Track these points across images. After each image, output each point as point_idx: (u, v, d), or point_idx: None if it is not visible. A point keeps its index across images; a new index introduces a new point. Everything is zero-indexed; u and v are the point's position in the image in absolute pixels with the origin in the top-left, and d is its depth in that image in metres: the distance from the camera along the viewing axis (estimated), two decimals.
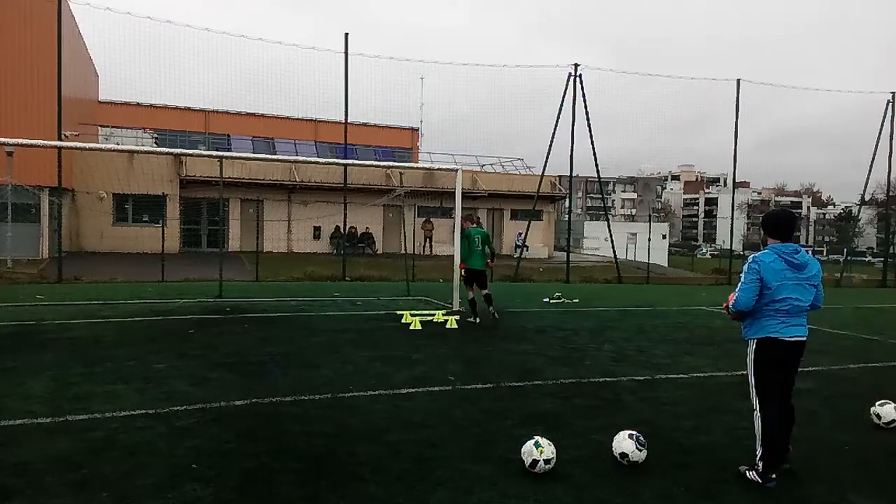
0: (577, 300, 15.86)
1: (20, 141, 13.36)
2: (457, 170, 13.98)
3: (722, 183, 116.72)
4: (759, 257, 4.49)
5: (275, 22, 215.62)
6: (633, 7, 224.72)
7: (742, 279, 4.53)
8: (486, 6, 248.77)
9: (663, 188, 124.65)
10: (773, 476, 4.39)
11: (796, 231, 4.89)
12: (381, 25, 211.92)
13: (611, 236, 24.50)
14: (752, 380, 4.57)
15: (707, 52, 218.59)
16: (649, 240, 25.53)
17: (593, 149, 23.50)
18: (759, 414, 4.51)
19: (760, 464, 4.44)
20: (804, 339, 4.55)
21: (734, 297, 4.57)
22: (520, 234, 31.22)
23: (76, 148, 18.49)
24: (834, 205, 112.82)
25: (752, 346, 4.55)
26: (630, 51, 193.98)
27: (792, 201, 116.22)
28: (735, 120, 24.75)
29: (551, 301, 15.48)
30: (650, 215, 41.32)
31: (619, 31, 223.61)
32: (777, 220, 4.60)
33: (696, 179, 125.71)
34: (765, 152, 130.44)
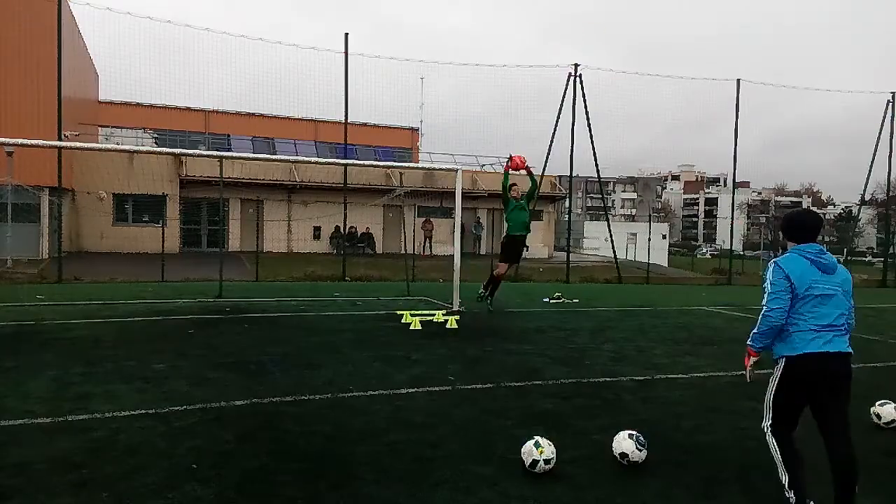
0: (577, 300, 15.85)
1: (20, 141, 13.35)
2: (457, 170, 13.98)
3: (722, 183, 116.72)
4: (781, 260, 3.97)
5: (277, 22, 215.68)
6: (639, 8, 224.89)
7: (768, 288, 3.92)
8: (492, 8, 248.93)
9: (663, 188, 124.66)
10: (811, 502, 3.89)
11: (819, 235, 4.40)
12: (384, 26, 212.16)
13: (611, 236, 24.50)
14: (770, 397, 4.01)
15: (709, 53, 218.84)
16: (649, 240, 25.54)
17: (593, 149, 23.52)
18: (771, 436, 3.98)
19: (791, 493, 3.87)
20: (846, 352, 3.88)
21: (761, 317, 3.94)
22: None
23: (76, 148, 18.48)
24: (834, 205, 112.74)
25: (781, 363, 3.95)
26: (635, 52, 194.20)
27: (792, 201, 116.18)
28: (735, 120, 24.76)
29: (551, 301, 15.48)
30: (650, 215, 41.28)
31: (625, 31, 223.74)
32: (799, 222, 4.08)
33: (696, 179, 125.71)
34: (765, 152, 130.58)
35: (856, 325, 4.01)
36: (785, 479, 3.89)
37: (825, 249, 3.98)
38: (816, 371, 3.81)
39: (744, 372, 4.20)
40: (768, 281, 3.95)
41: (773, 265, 3.97)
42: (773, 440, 3.95)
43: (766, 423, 4.00)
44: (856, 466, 3.86)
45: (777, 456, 3.92)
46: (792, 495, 3.85)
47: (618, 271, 24.21)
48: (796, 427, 3.96)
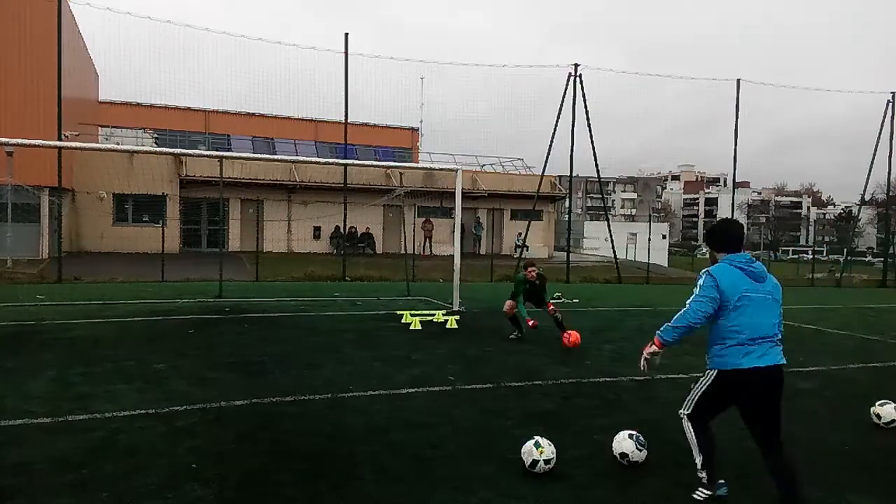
0: (577, 300, 15.86)
1: (20, 141, 13.35)
2: (457, 170, 13.99)
3: (722, 183, 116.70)
4: (714, 269, 4.00)
5: (277, 23, 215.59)
6: (639, 8, 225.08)
7: (696, 291, 3.97)
8: (493, 9, 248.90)
9: (663, 188, 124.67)
10: (722, 481, 4.12)
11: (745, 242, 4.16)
12: (384, 26, 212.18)
13: (611, 236, 24.51)
14: (697, 394, 4.09)
15: (709, 53, 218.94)
16: (649, 240, 25.55)
17: (593, 149, 23.55)
18: (688, 421, 4.12)
19: (704, 473, 4.11)
20: (780, 364, 3.92)
21: (680, 313, 3.97)
22: (520, 234, 31.22)
23: (76, 148, 18.48)
24: (834, 205, 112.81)
25: (713, 375, 4.01)
26: (635, 53, 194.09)
27: (792, 201, 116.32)
28: (735, 120, 24.79)
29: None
30: (650, 215, 41.35)
31: (625, 32, 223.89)
32: (724, 234, 4.11)
33: (696, 179, 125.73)
34: (765, 152, 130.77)
35: (784, 332, 4.08)
36: (699, 460, 4.08)
37: (753, 259, 4.05)
38: (748, 384, 3.85)
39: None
40: (698, 286, 3.97)
41: (705, 274, 4.00)
42: (690, 425, 4.09)
43: (684, 412, 4.12)
44: (795, 466, 3.89)
45: (692, 439, 4.08)
46: (704, 474, 4.09)
47: (618, 271, 24.22)
48: (713, 418, 4.13)
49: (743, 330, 3.85)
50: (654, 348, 4.08)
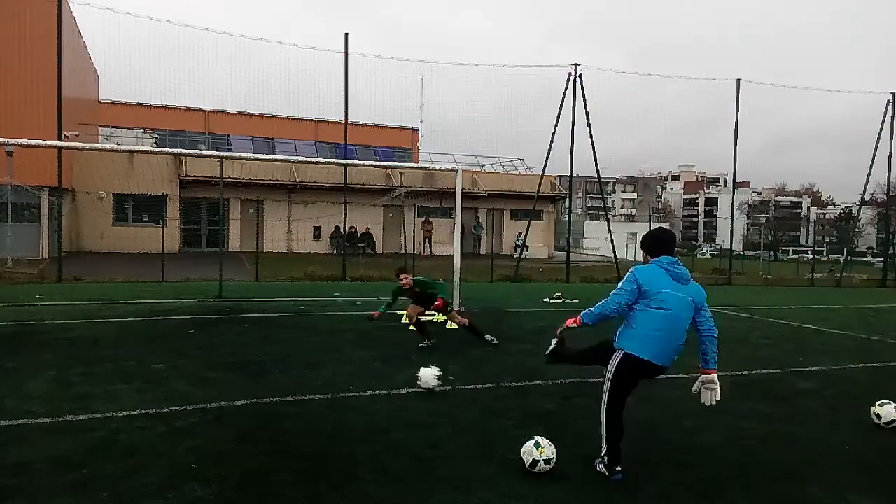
0: (577, 300, 15.85)
1: (20, 141, 13.34)
2: (457, 170, 13.98)
3: (722, 183, 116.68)
4: (639, 268, 4.53)
5: (277, 23, 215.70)
6: (639, 8, 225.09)
7: (619, 285, 4.51)
8: (494, 10, 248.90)
9: (663, 188, 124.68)
10: (619, 468, 4.42)
11: (676, 249, 4.79)
12: (384, 26, 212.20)
13: (611, 236, 24.50)
14: (607, 386, 4.53)
15: (709, 53, 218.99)
16: None
17: (593, 149, 23.53)
18: (605, 416, 4.52)
19: (606, 458, 4.50)
20: (667, 367, 4.58)
21: (602, 303, 4.47)
22: (520, 234, 31.23)
23: (76, 148, 18.50)
24: (834, 205, 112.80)
25: (620, 354, 4.47)
26: (636, 53, 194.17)
27: (792, 201, 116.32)
28: (735, 120, 24.78)
29: (551, 301, 15.48)
30: (650, 215, 41.33)
31: (626, 32, 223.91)
32: (655, 240, 4.66)
33: (696, 179, 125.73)
34: (765, 152, 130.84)
35: (718, 331, 4.80)
36: (605, 448, 4.47)
37: (679, 262, 4.54)
38: (641, 371, 4.47)
39: (743, 372, 4.28)
40: (622, 281, 4.50)
41: (630, 271, 4.52)
42: (605, 420, 4.49)
43: (603, 408, 4.51)
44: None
45: (603, 422, 4.49)
46: (607, 460, 4.45)
47: (618, 271, 24.18)
48: (624, 404, 4.54)
49: (650, 325, 4.40)
50: (573, 325, 4.55)
